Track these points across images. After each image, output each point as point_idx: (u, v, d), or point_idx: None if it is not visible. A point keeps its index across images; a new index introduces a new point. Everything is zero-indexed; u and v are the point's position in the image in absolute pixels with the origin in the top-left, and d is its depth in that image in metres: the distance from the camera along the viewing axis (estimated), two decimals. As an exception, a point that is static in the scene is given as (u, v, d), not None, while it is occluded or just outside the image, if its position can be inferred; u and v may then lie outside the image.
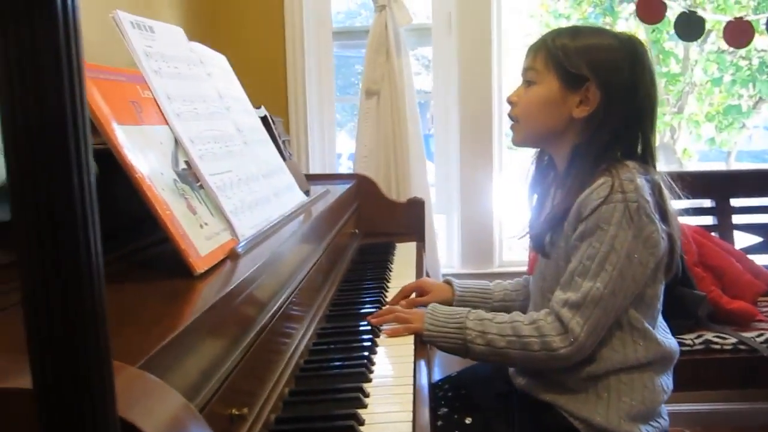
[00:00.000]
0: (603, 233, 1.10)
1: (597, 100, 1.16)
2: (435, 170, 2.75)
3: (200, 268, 0.82)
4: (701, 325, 2.00)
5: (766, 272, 2.26)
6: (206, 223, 0.92)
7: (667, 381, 1.20)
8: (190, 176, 0.96)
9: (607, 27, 4.14)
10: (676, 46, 5.49)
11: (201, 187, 0.98)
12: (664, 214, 1.14)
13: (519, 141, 1.29)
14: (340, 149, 3.29)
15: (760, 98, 5.82)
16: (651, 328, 1.17)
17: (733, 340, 1.95)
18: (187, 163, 0.98)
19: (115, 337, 0.35)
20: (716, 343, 1.94)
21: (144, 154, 0.85)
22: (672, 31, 5.21)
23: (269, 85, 2.49)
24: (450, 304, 1.36)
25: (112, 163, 0.79)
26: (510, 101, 1.27)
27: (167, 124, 0.97)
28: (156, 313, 0.67)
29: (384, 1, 2.40)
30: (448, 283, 1.45)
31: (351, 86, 4.89)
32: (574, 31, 1.22)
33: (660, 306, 1.20)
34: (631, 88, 1.16)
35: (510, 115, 1.28)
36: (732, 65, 5.74)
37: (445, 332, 1.18)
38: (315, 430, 0.88)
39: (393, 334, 1.22)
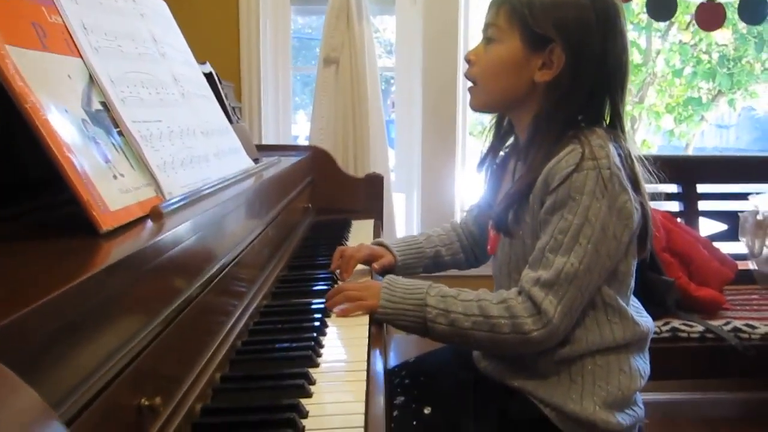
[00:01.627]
0: (575, 204, 0.99)
1: (561, 64, 1.05)
2: (396, 148, 2.62)
3: (108, 224, 0.67)
4: (669, 312, 1.93)
5: (732, 260, 2.21)
6: (122, 174, 0.76)
7: (644, 365, 1.11)
8: (106, 120, 0.81)
9: None
10: (639, 36, 5.48)
11: (121, 134, 0.82)
12: (635, 183, 1.05)
13: (477, 105, 1.17)
14: (296, 131, 3.10)
15: (719, 91, 5.86)
16: (626, 307, 1.08)
17: (701, 328, 1.89)
18: (104, 105, 0.82)
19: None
20: (683, 331, 1.88)
21: (43, 85, 0.69)
22: (636, 21, 5.18)
23: (219, 47, 2.31)
24: (393, 269, 1.28)
25: (8, 106, 0.63)
26: (468, 60, 1.15)
27: (80, 56, 0.81)
28: (31, 274, 0.51)
29: (346, -37, 2.25)
30: (382, 245, 1.34)
31: (314, 57, 4.71)
32: None
33: (632, 283, 1.10)
34: (600, 53, 1.04)
35: (467, 76, 1.16)
36: (693, 58, 5.76)
37: (402, 309, 1.06)
38: (249, 424, 0.73)
39: (344, 314, 1.08)
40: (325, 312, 1.09)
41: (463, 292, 1.06)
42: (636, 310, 1.13)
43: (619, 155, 1.04)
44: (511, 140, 1.22)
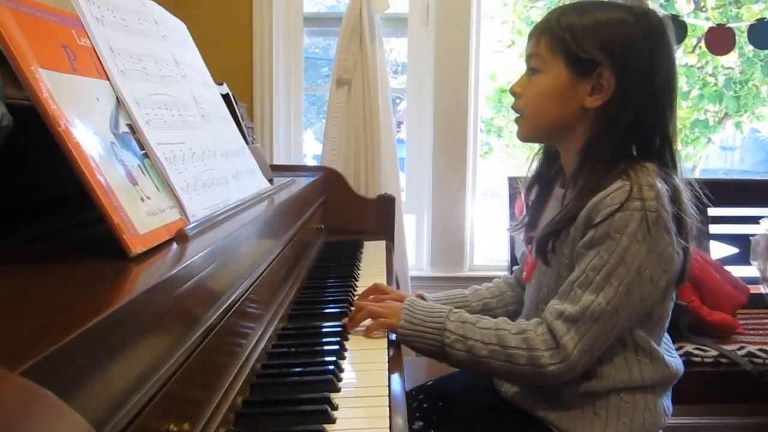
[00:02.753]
0: (614, 243, 0.96)
1: (611, 87, 1.01)
2: (406, 169, 2.62)
3: (137, 248, 0.67)
4: (682, 337, 1.91)
5: (744, 284, 2.20)
6: (148, 197, 0.76)
7: (668, 402, 1.09)
8: (133, 142, 0.81)
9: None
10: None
11: (146, 156, 0.83)
12: (681, 225, 1.00)
13: (525, 136, 1.14)
14: (305, 150, 3.11)
15: (726, 114, 5.87)
16: (658, 348, 1.05)
17: (714, 352, 1.87)
18: (130, 127, 0.82)
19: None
20: (697, 356, 1.86)
21: (74, 108, 0.69)
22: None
23: (232, 67, 2.33)
24: None
25: (38, 125, 0.64)
26: (513, 92, 1.12)
27: (107, 79, 0.82)
28: (68, 300, 0.51)
29: (359, -15, 2.27)
30: (422, 298, 1.30)
31: (320, 77, 4.74)
32: (582, 8, 1.06)
33: (667, 324, 1.08)
34: (648, 71, 1.00)
35: (514, 108, 1.13)
36: (700, 80, 5.78)
37: (421, 331, 1.04)
38: (273, 450, 0.73)
39: (365, 334, 1.07)
40: (343, 335, 1.08)
41: (483, 320, 1.05)
42: (667, 349, 1.10)
43: (669, 194, 0.99)
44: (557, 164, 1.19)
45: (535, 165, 1.21)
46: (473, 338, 1.02)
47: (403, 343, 1.07)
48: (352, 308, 1.23)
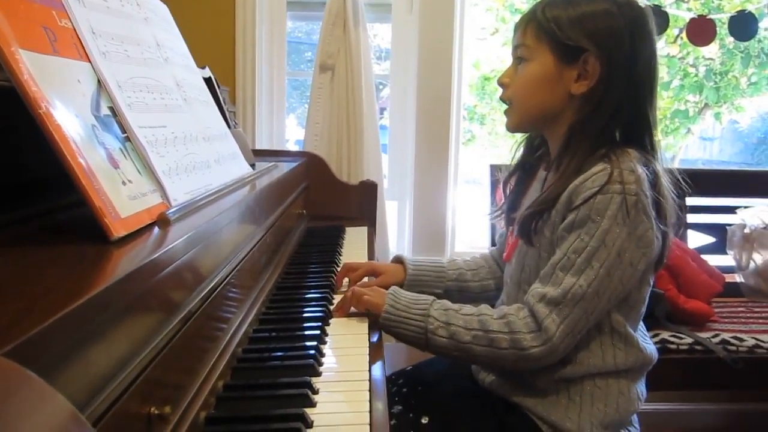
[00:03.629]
0: (594, 225, 0.98)
1: (597, 73, 1.03)
2: (389, 155, 2.62)
3: (119, 231, 0.66)
4: (658, 324, 1.94)
5: (720, 273, 2.24)
6: (130, 181, 0.76)
7: (641, 388, 1.11)
8: (114, 125, 0.80)
9: None
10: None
11: (128, 139, 0.82)
12: (660, 210, 1.02)
13: (514, 125, 1.15)
14: (287, 135, 3.11)
15: (706, 104, 5.93)
16: (633, 333, 1.07)
17: (689, 340, 1.90)
18: (112, 110, 0.82)
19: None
20: (672, 343, 1.89)
21: (55, 90, 0.69)
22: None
23: (215, 51, 2.31)
24: (402, 285, 1.26)
25: (19, 107, 0.63)
26: (501, 83, 1.13)
27: (89, 61, 0.81)
28: (50, 284, 0.51)
29: (344, -30, 2.26)
30: (400, 260, 1.33)
31: (303, 62, 4.71)
32: None
33: (643, 309, 1.09)
34: (630, 59, 1.03)
35: (502, 99, 1.14)
36: (681, 71, 5.83)
37: (405, 317, 1.05)
38: (254, 433, 0.73)
39: (355, 305, 1.11)
40: (325, 320, 1.09)
41: (465, 307, 1.06)
42: (642, 335, 1.12)
43: (650, 179, 1.01)
44: (541, 151, 1.21)
45: (518, 155, 1.22)
46: (456, 324, 1.03)
47: (386, 330, 1.08)
48: (334, 295, 1.24)
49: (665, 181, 1.04)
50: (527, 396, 1.07)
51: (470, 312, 1.04)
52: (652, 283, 1.09)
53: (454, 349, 1.04)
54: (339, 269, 1.35)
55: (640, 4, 1.06)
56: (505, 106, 1.14)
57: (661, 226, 1.02)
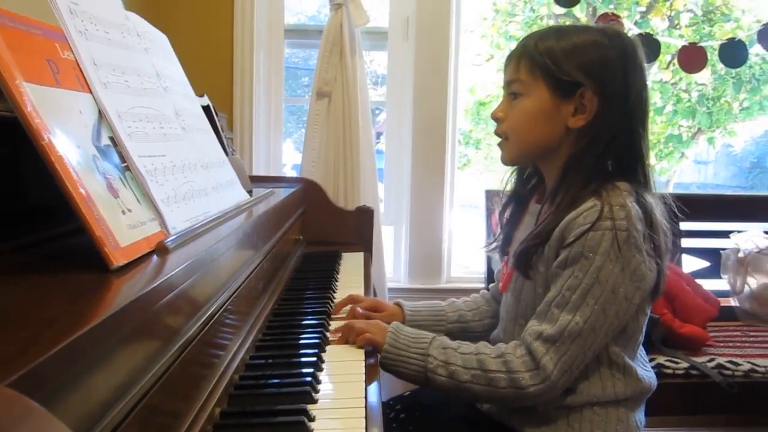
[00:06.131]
0: (587, 262, 0.99)
1: (594, 107, 1.04)
2: (385, 180, 2.64)
3: (118, 260, 0.67)
4: (654, 349, 1.95)
5: (715, 297, 2.25)
6: (130, 210, 0.77)
7: (640, 416, 1.11)
8: (114, 154, 0.82)
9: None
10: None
11: (127, 168, 0.84)
12: (653, 243, 1.03)
13: (510, 159, 1.16)
14: (284, 159, 3.13)
15: (699, 129, 5.99)
16: (632, 363, 1.07)
17: (685, 364, 1.91)
18: (112, 140, 0.83)
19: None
20: (668, 368, 1.90)
21: (57, 121, 0.70)
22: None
23: (213, 78, 2.33)
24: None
25: (20, 136, 0.64)
26: (495, 118, 1.14)
27: (90, 92, 0.83)
28: (52, 313, 0.52)
29: (340, -1, 2.29)
30: (398, 305, 1.32)
31: (300, 87, 4.75)
32: (558, 32, 1.08)
33: (641, 338, 1.10)
34: (623, 89, 1.04)
35: (497, 133, 1.15)
36: (674, 96, 5.89)
37: (405, 356, 1.06)
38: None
39: (354, 339, 1.10)
40: (321, 347, 1.10)
41: (464, 345, 1.06)
42: (642, 363, 1.12)
43: (641, 212, 1.01)
44: (533, 181, 1.22)
45: (510, 183, 1.23)
46: (455, 363, 1.03)
47: (386, 368, 1.08)
48: (330, 321, 1.25)
49: (658, 212, 1.04)
50: (526, 423, 1.07)
51: (468, 351, 1.05)
52: (648, 312, 1.09)
53: (455, 389, 1.04)
54: (337, 297, 1.35)
55: (629, 34, 1.08)
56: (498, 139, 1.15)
57: (655, 259, 1.02)
